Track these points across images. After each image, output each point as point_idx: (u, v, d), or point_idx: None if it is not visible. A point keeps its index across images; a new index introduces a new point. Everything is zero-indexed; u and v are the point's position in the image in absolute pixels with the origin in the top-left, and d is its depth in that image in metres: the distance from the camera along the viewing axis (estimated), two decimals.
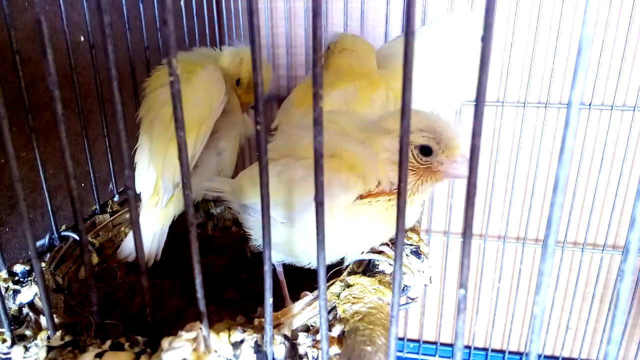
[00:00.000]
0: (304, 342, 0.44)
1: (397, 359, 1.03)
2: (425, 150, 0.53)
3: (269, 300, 0.38)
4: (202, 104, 0.71)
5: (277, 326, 0.47)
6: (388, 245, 0.60)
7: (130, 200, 0.36)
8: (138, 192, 0.73)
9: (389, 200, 0.53)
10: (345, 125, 0.56)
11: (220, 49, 0.84)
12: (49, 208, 0.65)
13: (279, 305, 0.51)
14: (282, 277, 0.65)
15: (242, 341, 0.42)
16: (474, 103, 0.28)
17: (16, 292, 0.55)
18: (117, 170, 0.81)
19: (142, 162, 0.71)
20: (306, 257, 0.58)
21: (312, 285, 0.52)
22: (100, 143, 0.79)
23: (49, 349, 0.44)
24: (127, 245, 0.71)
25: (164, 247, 0.80)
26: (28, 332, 0.50)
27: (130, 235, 0.72)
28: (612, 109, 1.13)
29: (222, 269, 0.80)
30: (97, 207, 0.77)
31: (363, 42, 0.79)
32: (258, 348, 0.42)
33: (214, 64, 0.77)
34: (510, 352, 1.42)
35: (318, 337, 0.45)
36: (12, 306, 0.54)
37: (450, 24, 0.81)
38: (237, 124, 0.80)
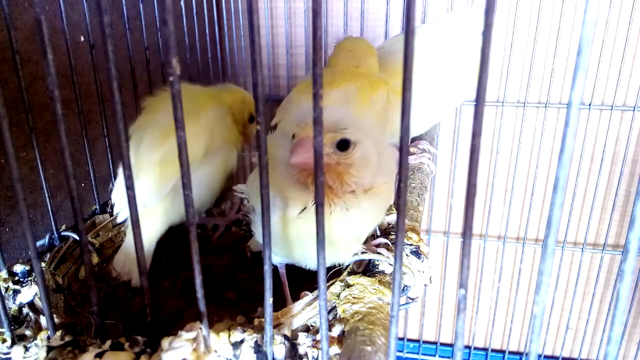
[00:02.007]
0: (304, 342, 0.44)
1: (397, 359, 1.03)
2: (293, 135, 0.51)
3: (269, 300, 0.38)
4: (199, 146, 0.71)
5: (277, 326, 0.47)
6: (388, 247, 0.60)
7: (130, 200, 0.36)
8: (113, 202, 0.73)
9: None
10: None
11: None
12: (49, 208, 0.65)
13: (279, 305, 0.51)
14: (284, 278, 0.65)
15: (242, 341, 0.42)
16: (474, 103, 0.28)
17: (16, 292, 0.55)
18: (117, 171, 0.81)
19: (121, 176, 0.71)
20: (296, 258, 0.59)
21: (312, 285, 0.51)
22: (100, 143, 0.79)
23: (49, 349, 0.44)
24: (117, 262, 0.70)
25: (164, 247, 0.80)
26: (28, 332, 0.50)
27: (119, 252, 0.71)
28: (612, 109, 1.13)
29: (222, 269, 0.79)
30: (97, 207, 0.77)
31: (364, 44, 0.79)
32: (258, 348, 0.42)
33: (222, 106, 0.77)
34: (510, 352, 1.42)
35: (318, 337, 0.45)
36: (12, 306, 0.54)
37: (450, 23, 0.81)
38: (225, 156, 0.78)
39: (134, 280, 0.68)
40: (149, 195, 0.68)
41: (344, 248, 0.54)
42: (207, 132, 0.72)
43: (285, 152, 0.50)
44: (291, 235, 0.53)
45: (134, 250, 0.68)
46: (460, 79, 0.82)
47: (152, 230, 0.70)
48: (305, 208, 0.51)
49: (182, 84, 0.82)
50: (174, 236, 0.81)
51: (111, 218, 0.77)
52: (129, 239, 0.71)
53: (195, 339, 0.39)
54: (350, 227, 0.52)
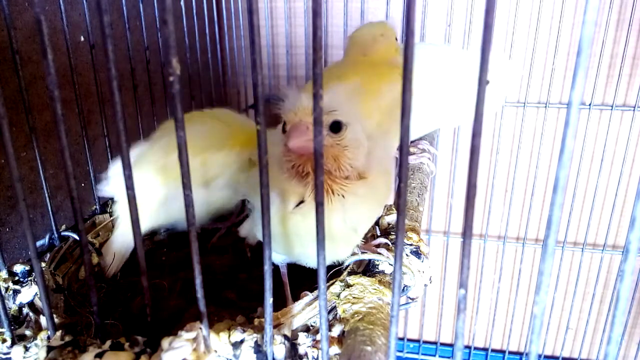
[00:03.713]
0: (304, 342, 0.44)
1: (397, 359, 1.03)
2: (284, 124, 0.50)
3: (269, 300, 0.38)
4: (204, 174, 0.70)
5: (277, 326, 0.47)
6: (388, 247, 0.60)
7: (130, 200, 0.36)
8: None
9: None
10: None
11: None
12: (49, 208, 0.65)
13: (280, 305, 0.51)
14: (285, 278, 0.65)
15: (242, 341, 0.42)
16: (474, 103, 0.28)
17: (16, 292, 0.55)
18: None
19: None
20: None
21: (313, 285, 0.51)
22: (100, 143, 0.79)
23: (49, 349, 0.44)
24: (107, 252, 0.69)
25: (164, 247, 0.80)
26: (28, 332, 0.50)
27: (109, 242, 0.70)
28: (612, 109, 1.13)
29: (222, 269, 0.79)
30: (97, 207, 0.77)
31: (373, 29, 0.76)
32: (258, 348, 0.42)
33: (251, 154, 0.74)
34: (510, 352, 1.42)
35: (318, 337, 0.45)
36: (12, 306, 0.54)
37: (451, 55, 0.80)
38: (223, 197, 0.76)
39: (107, 269, 0.68)
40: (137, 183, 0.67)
41: (344, 242, 0.54)
42: (219, 168, 0.71)
43: (276, 147, 0.50)
44: (289, 231, 0.53)
45: (112, 242, 0.68)
46: (456, 102, 0.80)
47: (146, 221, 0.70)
48: (302, 202, 0.51)
49: (238, 114, 0.78)
50: (174, 236, 0.81)
51: (111, 218, 0.77)
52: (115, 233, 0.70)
53: (195, 339, 0.39)
54: (348, 218, 0.51)
